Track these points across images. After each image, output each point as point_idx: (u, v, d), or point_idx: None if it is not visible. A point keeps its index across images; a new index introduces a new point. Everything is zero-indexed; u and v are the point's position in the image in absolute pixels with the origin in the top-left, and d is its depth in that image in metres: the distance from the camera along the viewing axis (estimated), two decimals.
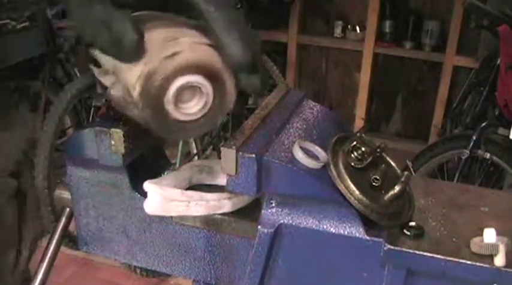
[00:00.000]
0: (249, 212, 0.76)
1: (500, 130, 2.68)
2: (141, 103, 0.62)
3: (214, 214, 0.74)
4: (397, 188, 0.68)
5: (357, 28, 3.91)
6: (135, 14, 0.65)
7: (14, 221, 1.10)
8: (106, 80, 0.68)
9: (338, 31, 3.96)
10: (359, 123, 3.93)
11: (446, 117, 3.48)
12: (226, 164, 0.66)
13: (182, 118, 0.65)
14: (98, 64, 0.69)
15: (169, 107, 0.63)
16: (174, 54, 0.61)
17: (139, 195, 0.77)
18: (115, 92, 0.66)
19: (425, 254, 0.66)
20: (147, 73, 0.61)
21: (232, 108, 0.68)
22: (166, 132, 0.66)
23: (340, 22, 3.95)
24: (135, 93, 0.62)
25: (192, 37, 0.63)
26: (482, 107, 2.75)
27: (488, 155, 2.54)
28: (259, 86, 0.66)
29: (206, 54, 0.63)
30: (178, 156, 2.62)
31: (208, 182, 0.81)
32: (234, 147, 0.66)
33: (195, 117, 0.66)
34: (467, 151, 2.52)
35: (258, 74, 0.66)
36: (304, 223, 0.69)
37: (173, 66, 0.61)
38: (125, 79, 0.63)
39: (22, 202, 1.09)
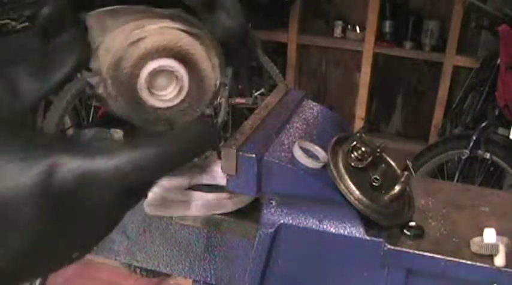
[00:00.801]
0: (249, 212, 0.76)
1: (500, 130, 2.69)
2: (115, 92, 0.63)
3: (214, 214, 0.74)
4: (397, 188, 0.68)
5: (357, 28, 3.90)
6: (111, 8, 0.65)
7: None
8: (92, 80, 0.69)
9: (338, 31, 3.96)
10: (359, 123, 3.92)
11: (446, 117, 3.48)
12: (226, 164, 0.66)
13: (158, 104, 0.66)
14: (88, 69, 0.70)
15: (144, 94, 0.64)
16: (139, 40, 0.62)
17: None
18: (99, 90, 0.67)
19: (425, 254, 0.66)
20: (114, 62, 0.62)
21: (214, 94, 0.68)
22: (145, 122, 0.66)
23: (340, 22, 3.95)
24: (108, 83, 0.63)
25: (161, 23, 0.64)
26: (482, 107, 2.75)
27: (488, 155, 2.54)
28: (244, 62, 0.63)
29: (173, 36, 0.63)
30: None
31: (208, 182, 0.81)
32: (234, 147, 0.66)
33: (171, 104, 0.66)
34: (467, 151, 2.52)
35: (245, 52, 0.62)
36: (304, 223, 0.69)
37: (139, 52, 0.62)
38: (101, 72, 0.64)
39: None
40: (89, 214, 0.42)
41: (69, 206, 0.40)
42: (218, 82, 0.67)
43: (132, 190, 0.43)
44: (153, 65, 0.63)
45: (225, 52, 0.67)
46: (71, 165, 0.39)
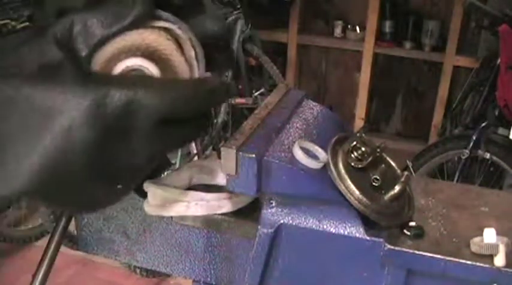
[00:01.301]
0: (249, 212, 0.76)
1: (500, 130, 2.69)
2: None
3: (214, 214, 0.74)
4: (397, 188, 0.68)
5: (357, 28, 3.91)
6: None
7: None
8: None
9: (338, 31, 3.96)
10: (359, 123, 3.93)
11: (446, 117, 3.48)
12: (226, 164, 0.66)
13: None
14: None
15: None
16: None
17: (139, 195, 0.77)
18: None
19: (425, 254, 0.66)
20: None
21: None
22: None
23: (340, 22, 3.95)
24: None
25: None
26: (482, 107, 2.76)
27: (488, 155, 2.54)
28: None
29: (137, 35, 0.62)
30: (178, 156, 2.62)
31: (208, 182, 0.81)
32: (234, 147, 0.65)
33: None
34: (467, 151, 2.52)
35: None
36: (304, 223, 0.69)
37: (105, 55, 0.61)
38: None
39: None
40: (132, 138, 0.49)
41: (117, 129, 0.47)
42: (198, 72, 0.66)
43: (166, 122, 0.50)
44: (121, 66, 0.62)
45: (206, 54, 0.66)
46: (120, 94, 0.48)
